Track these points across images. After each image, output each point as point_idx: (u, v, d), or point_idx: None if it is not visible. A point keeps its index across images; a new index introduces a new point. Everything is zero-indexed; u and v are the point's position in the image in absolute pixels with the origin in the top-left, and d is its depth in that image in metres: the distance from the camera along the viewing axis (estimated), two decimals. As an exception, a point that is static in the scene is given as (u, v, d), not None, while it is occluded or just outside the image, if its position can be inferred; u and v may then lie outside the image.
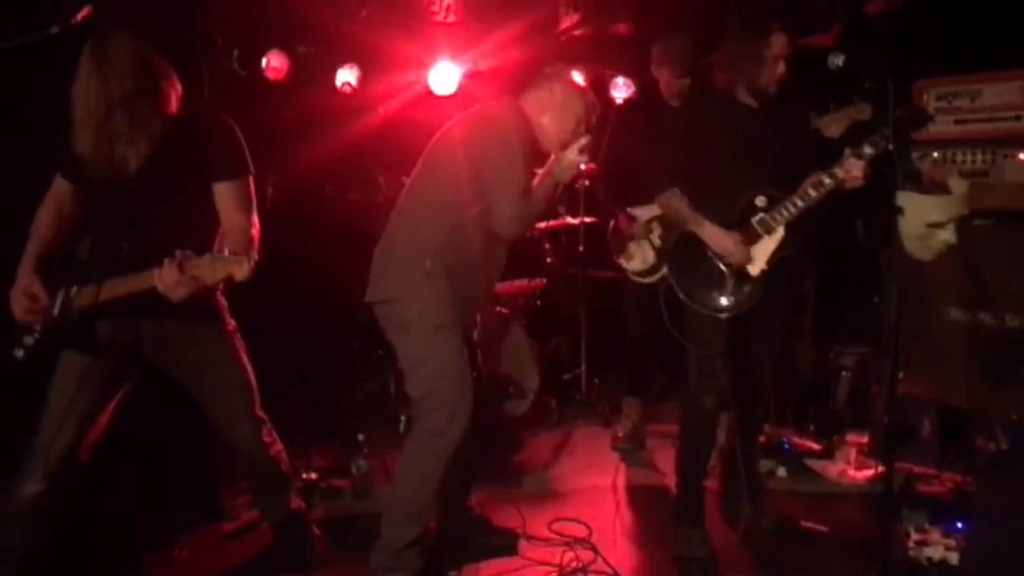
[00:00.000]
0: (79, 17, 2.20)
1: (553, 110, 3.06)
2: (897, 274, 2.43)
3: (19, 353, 2.54)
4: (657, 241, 4.20)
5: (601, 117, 3.25)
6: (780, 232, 3.08)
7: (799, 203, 3.03)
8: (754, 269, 3.10)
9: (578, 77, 3.12)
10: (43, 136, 2.61)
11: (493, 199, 2.92)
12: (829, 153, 2.99)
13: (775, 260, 3.09)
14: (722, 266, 3.11)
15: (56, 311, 2.53)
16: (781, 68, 3.05)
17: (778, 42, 3.03)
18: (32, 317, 2.53)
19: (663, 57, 4.21)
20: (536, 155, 3.05)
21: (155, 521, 3.32)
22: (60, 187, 2.67)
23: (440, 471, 2.90)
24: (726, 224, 3.09)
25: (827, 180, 2.95)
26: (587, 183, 5.04)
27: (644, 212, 4.24)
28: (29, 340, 2.55)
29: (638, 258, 4.28)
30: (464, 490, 3.32)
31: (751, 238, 3.09)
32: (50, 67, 2.36)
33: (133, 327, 2.65)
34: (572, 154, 2.98)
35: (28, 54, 2.17)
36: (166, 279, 2.39)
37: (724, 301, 3.12)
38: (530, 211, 2.98)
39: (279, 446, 3.00)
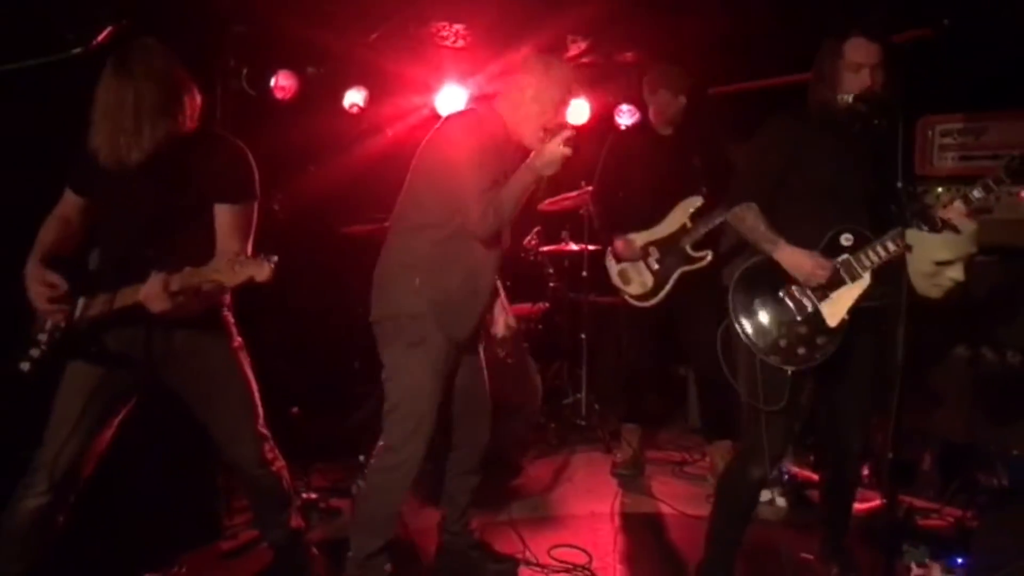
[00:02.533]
0: (100, 38, 2.22)
1: (524, 103, 2.98)
2: (904, 310, 2.42)
3: (25, 366, 2.53)
4: (655, 265, 4.25)
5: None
6: (866, 279, 2.78)
7: (891, 248, 2.70)
8: (832, 318, 2.77)
9: (554, 65, 3.00)
10: (59, 155, 2.62)
11: (459, 202, 2.89)
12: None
13: (855, 310, 2.79)
14: (795, 310, 2.81)
15: (66, 320, 2.53)
16: (865, 79, 2.71)
17: (857, 48, 2.72)
18: (55, 305, 2.53)
19: (658, 81, 4.27)
20: (514, 154, 3.00)
21: (154, 539, 3.30)
22: (68, 202, 2.70)
23: (395, 485, 2.98)
24: None
25: (925, 226, 2.68)
26: (591, 209, 5.08)
27: (640, 236, 4.30)
28: (35, 353, 2.55)
29: (636, 282, 4.31)
30: (463, 514, 3.31)
31: (832, 281, 2.78)
32: (70, 86, 2.38)
33: (141, 339, 2.64)
34: (553, 145, 2.80)
35: (49, 73, 2.19)
36: (147, 291, 2.42)
37: (794, 353, 2.78)
38: (500, 207, 2.85)
39: (281, 463, 2.98)
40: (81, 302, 2.55)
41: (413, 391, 2.94)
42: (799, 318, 2.80)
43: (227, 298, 2.84)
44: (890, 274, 2.74)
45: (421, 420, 2.94)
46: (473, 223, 2.87)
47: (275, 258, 2.39)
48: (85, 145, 2.49)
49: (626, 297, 4.37)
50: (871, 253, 2.75)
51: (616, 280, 4.40)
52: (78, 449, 2.59)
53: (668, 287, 4.21)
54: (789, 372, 2.76)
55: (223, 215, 2.64)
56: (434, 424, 2.97)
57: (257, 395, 2.88)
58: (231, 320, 2.87)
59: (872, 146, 2.79)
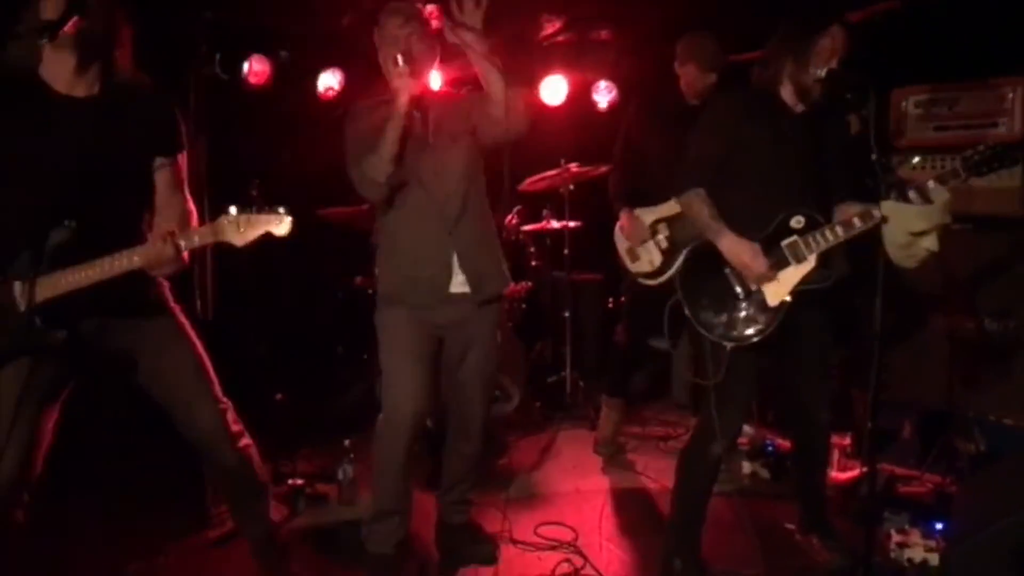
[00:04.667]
0: (67, 28, 2.17)
1: (381, 56, 2.94)
2: (881, 280, 2.45)
3: None
4: (664, 243, 4.08)
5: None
6: (811, 262, 2.81)
7: (840, 233, 2.75)
8: (773, 297, 2.82)
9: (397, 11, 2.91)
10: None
11: None
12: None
13: (798, 291, 2.82)
14: (738, 287, 2.87)
15: (14, 309, 2.25)
16: (834, 64, 2.75)
17: (837, 36, 2.75)
18: None
19: (689, 52, 4.07)
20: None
21: (140, 529, 3.32)
22: None
23: (385, 450, 3.04)
24: (753, 240, 2.83)
25: (876, 213, 2.64)
26: (571, 188, 5.07)
27: (649, 213, 4.12)
28: None
29: (644, 260, 4.13)
30: (454, 484, 3.34)
31: (777, 262, 2.82)
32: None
33: (70, 326, 2.34)
34: (394, 80, 2.74)
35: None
36: (155, 253, 2.24)
37: (733, 329, 2.85)
38: (371, 154, 2.78)
39: (248, 441, 2.77)
40: (17, 287, 2.27)
41: (387, 365, 3.04)
42: (741, 296, 2.86)
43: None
44: (837, 258, 2.83)
45: (396, 390, 3.00)
46: (358, 187, 2.90)
47: (286, 209, 2.25)
48: None
49: (634, 275, 4.19)
50: (818, 236, 2.78)
51: (624, 257, 4.23)
52: (19, 454, 2.36)
53: (677, 265, 3.87)
54: (728, 348, 2.82)
55: (161, 170, 2.49)
56: (415, 396, 2.99)
57: (207, 360, 2.66)
58: (166, 290, 2.65)
59: (822, 125, 2.85)
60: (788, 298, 2.83)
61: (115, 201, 2.35)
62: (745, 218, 2.84)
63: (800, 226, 2.81)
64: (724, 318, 2.87)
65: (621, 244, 4.25)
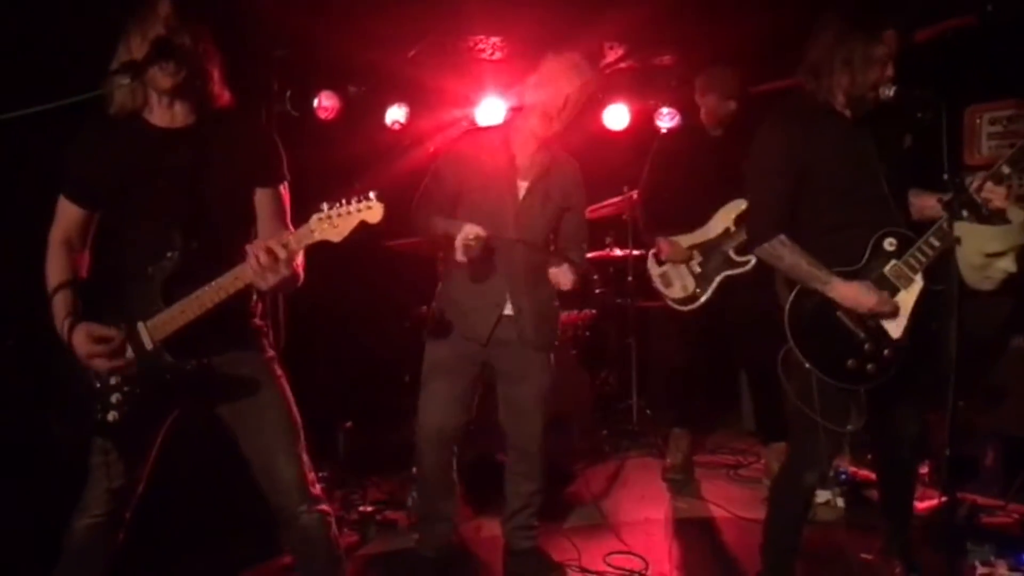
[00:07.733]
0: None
1: (535, 92, 3.11)
2: (956, 303, 2.38)
3: (113, 416, 2.28)
4: (697, 268, 4.23)
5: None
6: (919, 281, 2.64)
7: (936, 244, 2.59)
8: (895, 329, 2.64)
9: (551, 60, 3.13)
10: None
11: None
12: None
13: (917, 315, 2.64)
14: (858, 330, 2.66)
15: (134, 354, 2.27)
16: (890, 71, 2.61)
17: (891, 40, 2.62)
18: (118, 361, 2.25)
19: (709, 84, 4.23)
20: (501, 164, 3.13)
21: (214, 555, 3.36)
22: (65, 220, 2.39)
23: (424, 459, 3.26)
24: (851, 273, 2.65)
25: (965, 212, 2.51)
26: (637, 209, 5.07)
27: (684, 239, 4.28)
28: (115, 397, 2.28)
29: (677, 285, 4.29)
30: (513, 516, 3.37)
31: (888, 293, 2.65)
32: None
33: (194, 356, 2.35)
34: (459, 241, 2.91)
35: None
36: (264, 262, 2.15)
37: (861, 370, 2.64)
38: (416, 213, 3.15)
39: (328, 508, 2.55)
40: (141, 327, 2.27)
41: (425, 378, 3.24)
42: (862, 335, 2.66)
43: (259, 307, 2.61)
44: (940, 270, 2.63)
45: (424, 406, 3.21)
46: (411, 220, 3.16)
47: (376, 194, 2.16)
48: (87, 143, 2.34)
49: (668, 301, 4.34)
50: (918, 254, 2.63)
51: (657, 283, 4.38)
52: (122, 474, 2.41)
53: (710, 291, 4.20)
54: (863, 391, 2.66)
55: (265, 200, 2.45)
56: (439, 413, 3.18)
57: (297, 415, 2.55)
58: (264, 330, 2.61)
59: (882, 135, 2.71)
60: (908, 323, 2.65)
61: (217, 230, 2.35)
62: (833, 248, 2.67)
63: (894, 248, 2.65)
64: (852, 363, 2.65)
65: (655, 270, 4.42)
